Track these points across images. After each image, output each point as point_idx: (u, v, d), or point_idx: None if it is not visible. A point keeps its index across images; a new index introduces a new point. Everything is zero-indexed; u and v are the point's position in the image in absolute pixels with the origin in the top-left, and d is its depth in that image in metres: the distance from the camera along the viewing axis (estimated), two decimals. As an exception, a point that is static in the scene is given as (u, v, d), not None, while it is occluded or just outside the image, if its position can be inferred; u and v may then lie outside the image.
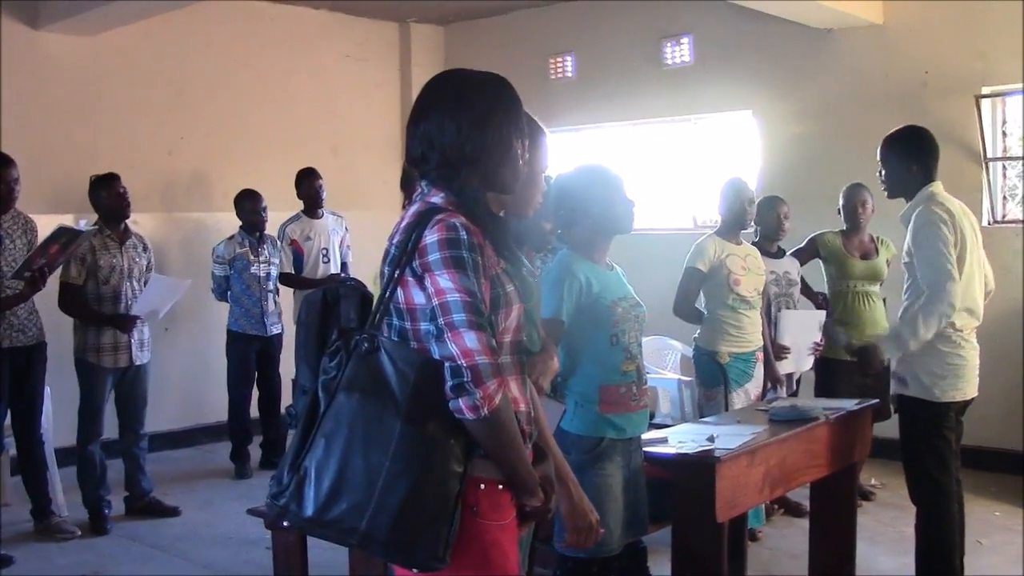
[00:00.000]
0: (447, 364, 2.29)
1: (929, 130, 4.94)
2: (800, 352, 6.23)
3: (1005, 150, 7.84)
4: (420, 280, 2.36)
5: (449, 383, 2.28)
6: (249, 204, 7.85)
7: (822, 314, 6.36)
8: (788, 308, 6.35)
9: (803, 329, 6.23)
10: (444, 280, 2.31)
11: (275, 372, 7.97)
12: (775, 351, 6.07)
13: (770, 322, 6.18)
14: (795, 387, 6.47)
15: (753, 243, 6.26)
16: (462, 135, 2.45)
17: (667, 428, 4.68)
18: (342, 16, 10.02)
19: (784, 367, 6.13)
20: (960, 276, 4.60)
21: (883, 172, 4.92)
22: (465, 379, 2.26)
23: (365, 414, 2.32)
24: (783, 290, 6.38)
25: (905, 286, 4.84)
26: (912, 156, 4.81)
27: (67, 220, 6.43)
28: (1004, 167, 7.83)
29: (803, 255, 6.65)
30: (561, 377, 3.83)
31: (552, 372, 3.16)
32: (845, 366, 6.23)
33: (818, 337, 6.25)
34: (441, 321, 2.30)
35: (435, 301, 2.32)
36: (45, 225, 6.31)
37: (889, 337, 4.94)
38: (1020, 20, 7.32)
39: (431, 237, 2.35)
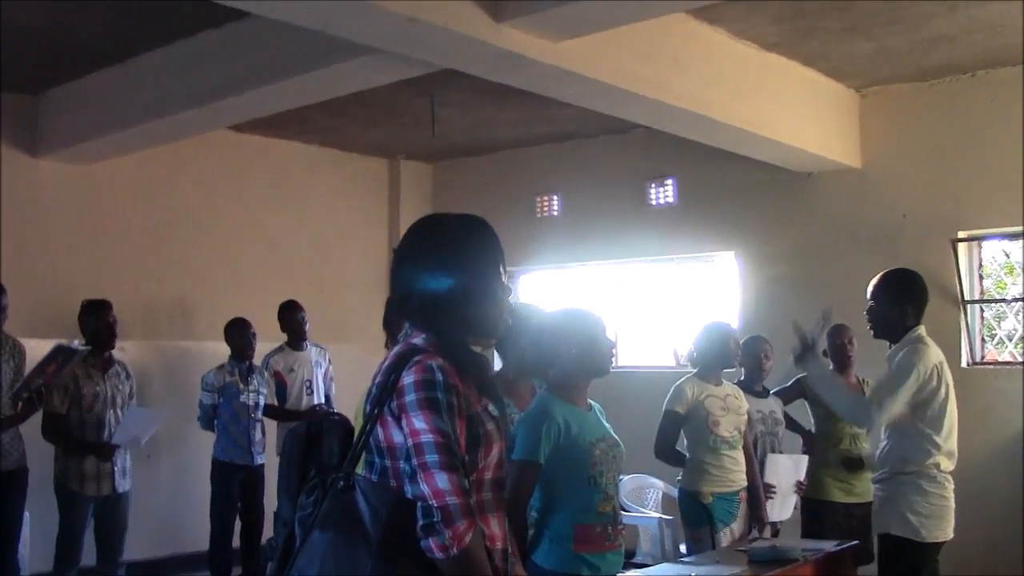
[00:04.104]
0: (419, 504, 2.31)
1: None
2: (784, 497, 6.19)
3: (982, 292, 7.96)
4: (398, 420, 2.40)
5: (420, 522, 2.30)
6: (239, 332, 7.87)
7: (806, 458, 6.34)
8: (774, 447, 6.33)
9: (788, 472, 6.21)
10: (419, 421, 2.35)
11: (259, 503, 7.89)
12: (763, 490, 6.03)
13: (755, 460, 6.16)
14: (778, 528, 6.41)
15: (738, 382, 6.29)
16: (435, 278, 2.52)
17: (647, 568, 4.66)
18: (332, 151, 10.20)
19: (768, 513, 6.07)
20: (943, 424, 4.69)
21: (872, 310, 4.93)
22: (435, 519, 2.29)
23: (338, 551, 2.33)
24: (769, 429, 6.36)
25: None
26: (906, 299, 4.85)
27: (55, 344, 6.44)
28: (981, 309, 7.94)
29: (788, 395, 6.63)
30: (538, 514, 3.84)
31: None
32: (832, 508, 6.25)
33: (802, 476, 6.24)
34: (415, 461, 2.33)
35: (410, 441, 2.35)
36: (33, 349, 6.33)
37: (824, 375, 4.99)
38: (995, 166, 7.53)
39: (408, 378, 2.39)
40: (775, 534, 6.21)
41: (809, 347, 4.96)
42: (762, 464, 6.12)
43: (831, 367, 6.55)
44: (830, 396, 5.03)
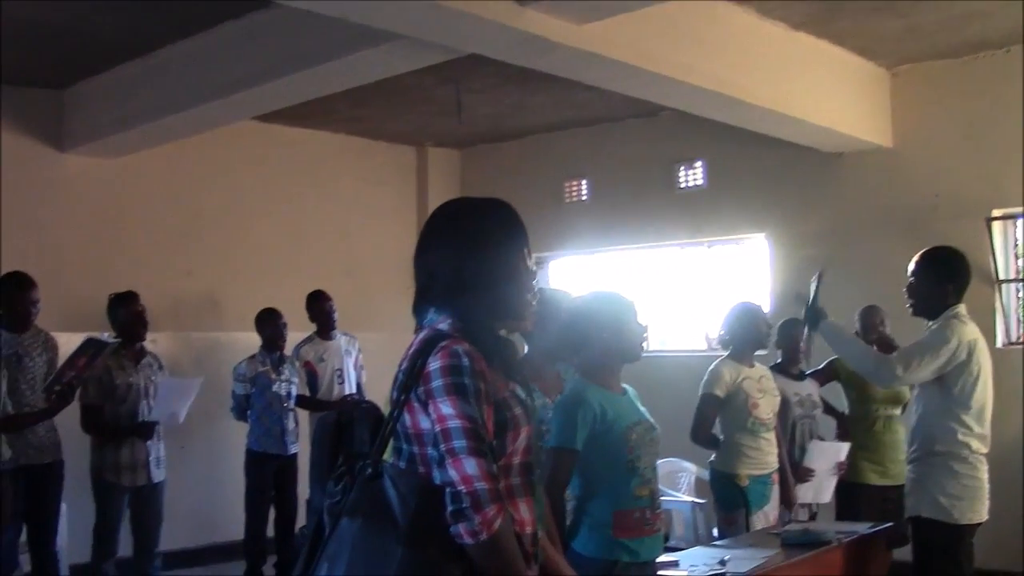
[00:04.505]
0: (448, 490, 2.30)
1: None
2: (822, 481, 6.15)
3: (1017, 272, 7.86)
4: (425, 406, 2.38)
5: (449, 508, 2.29)
6: (270, 322, 7.87)
7: (847, 445, 6.29)
8: (812, 429, 6.29)
9: (829, 459, 6.16)
10: (446, 407, 2.33)
11: (293, 492, 7.91)
12: (800, 474, 5.99)
13: (794, 443, 6.13)
14: (814, 511, 6.36)
15: (774, 365, 6.24)
16: (458, 262, 2.49)
17: (679, 551, 4.63)
18: (359, 140, 10.20)
19: (804, 495, 6.04)
20: (971, 403, 4.62)
21: (912, 286, 4.85)
22: (464, 505, 2.27)
23: (367, 538, 2.32)
24: (807, 412, 6.33)
25: (915, 392, 4.87)
26: (948, 277, 4.77)
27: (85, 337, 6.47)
28: (1017, 289, 7.84)
29: (821, 377, 6.58)
30: (576, 501, 3.82)
31: None
32: (867, 490, 6.21)
33: (842, 458, 6.18)
34: (442, 447, 2.32)
35: (437, 427, 2.34)
36: (65, 343, 6.36)
37: (839, 334, 4.92)
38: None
39: (434, 364, 2.37)
40: (812, 517, 6.18)
41: (816, 309, 4.92)
42: (803, 449, 6.09)
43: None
44: (849, 354, 4.96)
